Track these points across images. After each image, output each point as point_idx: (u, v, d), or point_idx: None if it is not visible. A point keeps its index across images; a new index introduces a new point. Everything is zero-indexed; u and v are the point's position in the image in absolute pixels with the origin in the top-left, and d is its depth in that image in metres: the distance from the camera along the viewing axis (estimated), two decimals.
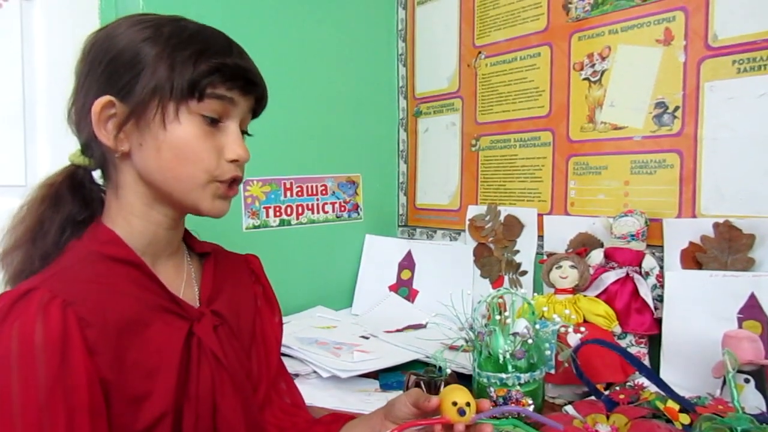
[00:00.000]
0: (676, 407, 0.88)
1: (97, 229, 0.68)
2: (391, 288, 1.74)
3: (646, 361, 1.19)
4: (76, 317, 0.58)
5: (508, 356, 0.98)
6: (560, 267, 1.20)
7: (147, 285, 0.67)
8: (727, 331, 0.98)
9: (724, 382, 0.98)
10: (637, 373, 1.10)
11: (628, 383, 1.00)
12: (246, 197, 1.56)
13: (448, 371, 1.02)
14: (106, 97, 0.64)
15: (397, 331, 1.51)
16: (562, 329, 1.03)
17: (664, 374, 1.13)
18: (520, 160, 1.50)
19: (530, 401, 0.90)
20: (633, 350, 1.18)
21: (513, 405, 0.89)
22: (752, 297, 1.06)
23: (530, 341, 0.97)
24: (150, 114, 0.64)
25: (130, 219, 0.69)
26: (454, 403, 0.69)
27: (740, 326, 1.05)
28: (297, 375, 1.24)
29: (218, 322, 0.75)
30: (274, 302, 0.89)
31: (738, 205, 1.13)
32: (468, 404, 0.69)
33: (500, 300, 1.07)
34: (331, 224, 1.73)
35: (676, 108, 1.20)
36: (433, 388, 0.99)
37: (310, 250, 1.69)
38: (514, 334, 0.98)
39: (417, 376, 1.02)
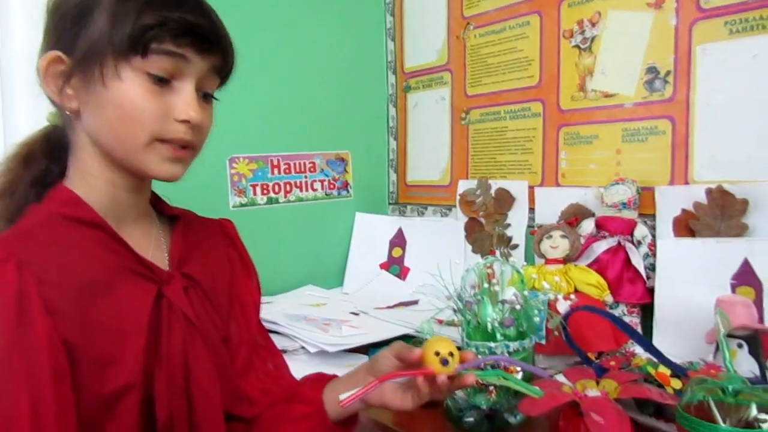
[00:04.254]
0: (668, 372, 0.86)
1: (57, 191, 0.65)
2: (382, 266, 1.72)
3: (639, 331, 1.17)
4: (34, 278, 0.56)
5: (496, 324, 0.96)
6: (551, 237, 1.18)
7: (112, 247, 0.64)
8: (720, 297, 0.96)
9: (717, 348, 0.96)
10: (629, 342, 1.09)
11: (620, 351, 0.98)
12: (232, 175, 1.53)
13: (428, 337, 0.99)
14: (53, 53, 0.62)
15: (388, 308, 1.49)
16: (552, 297, 1.01)
17: (657, 343, 1.11)
18: (510, 132, 1.47)
19: (519, 369, 0.88)
20: (626, 320, 1.16)
21: (529, 364, 0.87)
22: (745, 263, 1.04)
23: (519, 308, 0.95)
24: (92, 70, 0.61)
25: (90, 180, 0.66)
26: (437, 354, 0.67)
27: (734, 292, 1.03)
28: (285, 351, 1.22)
29: (189, 284, 0.72)
30: (251, 266, 0.86)
31: (731, 170, 1.10)
32: (451, 354, 0.67)
33: (489, 271, 1.05)
34: (320, 202, 1.71)
35: (668, 73, 1.17)
36: None
37: (299, 229, 1.66)
38: (503, 302, 0.96)
39: (407, 341, 1.00)
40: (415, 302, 1.48)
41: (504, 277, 1.04)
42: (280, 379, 0.84)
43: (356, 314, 1.42)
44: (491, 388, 0.87)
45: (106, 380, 0.60)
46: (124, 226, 0.68)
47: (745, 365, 0.91)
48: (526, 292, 0.98)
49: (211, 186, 1.50)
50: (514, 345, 0.96)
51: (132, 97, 0.61)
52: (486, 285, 0.99)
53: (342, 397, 0.67)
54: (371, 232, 1.74)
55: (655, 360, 0.89)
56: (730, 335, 0.93)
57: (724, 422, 0.67)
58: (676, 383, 0.85)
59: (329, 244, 1.73)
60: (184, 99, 0.65)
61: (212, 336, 0.73)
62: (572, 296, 0.99)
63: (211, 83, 0.70)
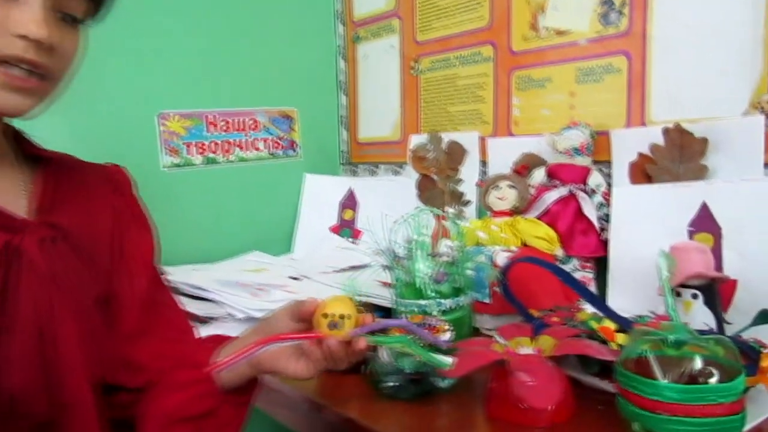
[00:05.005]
0: (613, 327, 0.77)
1: None
2: (333, 230, 1.61)
3: (593, 288, 1.08)
4: None
5: (427, 280, 0.87)
6: (498, 188, 1.08)
7: None
8: (674, 244, 0.87)
9: None
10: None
11: (566, 306, 0.88)
12: (162, 132, 1.41)
13: (358, 298, 0.89)
14: None
15: (335, 272, 1.39)
16: (495, 249, 0.91)
17: (611, 300, 1.03)
18: (461, 80, 1.36)
19: (449, 328, 0.78)
20: (578, 275, 1.07)
21: (427, 331, 0.77)
22: (704, 207, 0.95)
23: (452, 261, 0.85)
24: None
25: None
26: (325, 316, 0.58)
27: (691, 240, 0.94)
28: (210, 318, 1.12)
29: (54, 235, 0.62)
30: (143, 217, 0.76)
31: (691, 108, 1.01)
32: (344, 317, 0.57)
33: (425, 223, 0.95)
34: (264, 163, 1.59)
35: (623, 4, 1.06)
36: None
37: (242, 192, 1.55)
38: (435, 255, 0.86)
39: None
40: (367, 266, 1.38)
41: (440, 230, 0.94)
42: (179, 344, 0.74)
43: (297, 279, 1.32)
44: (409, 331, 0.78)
45: None
46: None
47: (700, 317, 0.82)
48: (460, 244, 0.88)
49: (138, 145, 1.38)
50: (448, 303, 0.86)
51: None
52: (418, 238, 0.89)
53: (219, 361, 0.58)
54: (321, 194, 1.64)
55: (600, 314, 0.80)
56: (683, 285, 0.84)
57: (665, 377, 0.58)
58: (622, 338, 0.76)
59: (276, 207, 1.62)
60: (27, 11, 0.54)
61: (80, 296, 0.63)
62: (513, 247, 0.89)
63: (75, 4, 0.58)
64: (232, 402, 0.68)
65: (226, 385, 0.67)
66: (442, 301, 0.86)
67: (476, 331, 1.01)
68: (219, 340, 0.72)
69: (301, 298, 0.65)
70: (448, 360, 0.61)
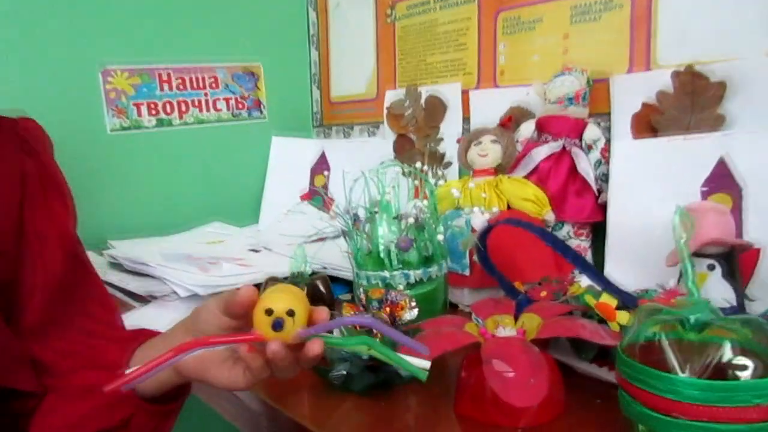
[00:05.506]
0: (613, 303, 0.63)
1: None
2: (304, 198, 1.47)
3: (588, 256, 0.94)
4: None
5: (391, 247, 0.72)
6: (479, 143, 0.93)
7: None
8: (688, 204, 0.72)
9: (681, 274, 0.73)
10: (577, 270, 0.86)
11: (557, 279, 0.74)
12: (108, 91, 1.26)
13: (308, 270, 0.75)
14: None
15: (304, 243, 1.24)
16: (472, 211, 0.77)
17: (609, 273, 0.89)
18: (441, 26, 1.20)
19: (414, 304, 0.64)
20: (572, 243, 0.93)
21: (387, 310, 0.63)
22: (721, 163, 0.80)
23: (421, 225, 0.71)
24: None
25: None
26: (268, 312, 0.44)
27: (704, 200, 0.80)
28: (153, 297, 0.98)
29: None
30: (59, 185, 0.60)
31: (704, 48, 0.85)
32: (291, 313, 0.43)
33: (390, 180, 0.81)
34: (226, 125, 1.44)
35: None
36: None
37: (200, 157, 1.40)
38: (398, 218, 0.72)
39: (276, 282, 0.76)
40: (338, 236, 1.24)
41: (411, 190, 0.80)
42: (95, 339, 0.60)
43: (256, 251, 1.18)
44: (376, 330, 0.64)
45: None
46: None
47: (718, 292, 0.68)
48: (432, 205, 0.74)
49: (80, 106, 1.22)
50: (415, 274, 0.72)
51: None
52: (381, 198, 0.75)
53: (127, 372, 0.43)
54: (290, 158, 1.49)
55: (598, 287, 0.66)
56: (697, 254, 0.70)
57: (683, 370, 0.44)
58: (624, 317, 0.62)
59: (240, 174, 1.47)
60: None
61: None
62: (494, 209, 0.75)
63: None
64: (152, 412, 0.54)
65: (145, 391, 0.53)
66: (408, 272, 0.72)
67: (453, 308, 0.88)
68: (144, 336, 0.57)
69: (237, 291, 0.50)
70: (425, 366, 0.47)
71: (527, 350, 0.52)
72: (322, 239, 1.25)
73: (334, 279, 1.04)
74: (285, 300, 0.44)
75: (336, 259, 0.97)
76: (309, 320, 0.46)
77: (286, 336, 0.44)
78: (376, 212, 0.76)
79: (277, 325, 0.43)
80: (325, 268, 1.05)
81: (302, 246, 0.75)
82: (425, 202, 0.72)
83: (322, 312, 0.47)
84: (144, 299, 0.98)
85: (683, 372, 0.44)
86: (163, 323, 0.91)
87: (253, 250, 1.17)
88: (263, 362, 0.46)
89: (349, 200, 0.77)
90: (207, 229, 1.35)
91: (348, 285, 0.95)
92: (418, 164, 0.77)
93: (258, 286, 0.51)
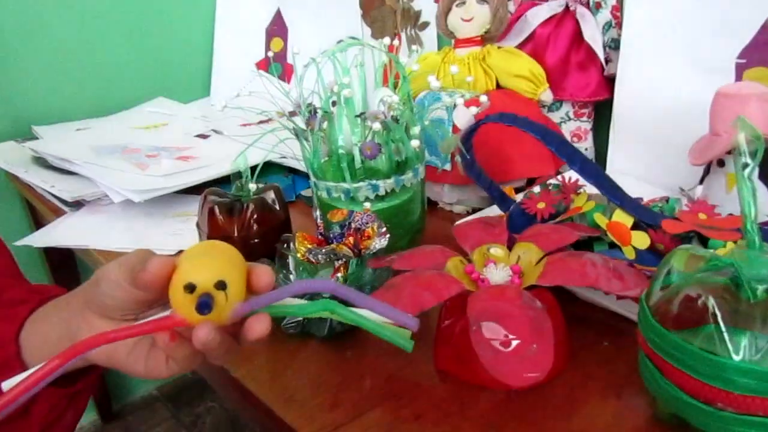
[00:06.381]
0: (628, 223, 0.51)
1: None
2: (260, 66, 1.27)
3: (588, 142, 0.81)
4: None
5: (355, 152, 0.58)
6: (463, 4, 0.75)
7: None
8: (723, 88, 0.58)
9: (708, 172, 0.61)
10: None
11: (555, 181, 0.61)
12: None
13: (252, 186, 0.62)
14: None
15: (261, 123, 1.08)
16: (455, 99, 0.61)
17: (613, 163, 0.76)
18: None
19: (384, 230, 0.52)
20: (571, 126, 0.79)
21: (350, 240, 0.51)
22: (764, 29, 0.64)
23: (394, 120, 0.56)
24: None
25: None
26: (190, 288, 0.31)
27: (739, 79, 0.65)
28: (83, 201, 0.84)
29: None
30: None
31: None
32: (221, 286, 0.30)
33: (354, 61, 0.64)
34: None
35: None
36: (237, 217, 0.60)
37: (133, 20, 1.18)
38: (362, 116, 0.57)
39: (217, 196, 0.62)
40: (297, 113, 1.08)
41: (379, 74, 0.64)
42: None
43: (206, 137, 1.02)
44: (338, 264, 0.52)
45: None
46: None
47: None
48: (406, 95, 0.58)
49: None
50: (385, 184, 0.58)
51: None
52: (340, 89, 0.59)
53: None
54: (240, 18, 1.27)
55: (606, 200, 0.54)
56: (732, 151, 0.56)
57: (738, 351, 0.33)
58: (641, 239, 0.50)
59: (183, 40, 1.26)
60: None
61: None
62: (483, 98, 0.59)
63: None
64: (57, 396, 0.42)
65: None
66: (377, 182, 0.58)
67: (432, 207, 0.76)
68: (37, 299, 0.43)
69: (150, 253, 0.36)
70: (407, 335, 0.35)
71: (527, 306, 0.41)
72: (288, 116, 1.09)
73: (296, 171, 0.91)
74: (211, 267, 0.32)
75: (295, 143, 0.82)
76: (248, 285, 0.34)
77: (219, 316, 0.32)
78: (334, 104, 0.60)
79: (204, 306, 0.31)
80: (284, 157, 0.91)
81: (244, 155, 0.61)
82: (395, 96, 0.56)
83: (264, 273, 0.34)
84: (71, 203, 0.84)
85: (738, 355, 0.33)
86: (101, 232, 0.79)
87: (201, 136, 1.02)
88: (191, 351, 0.34)
89: (300, 92, 0.61)
90: (148, 108, 1.17)
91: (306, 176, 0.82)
92: (387, 40, 0.60)
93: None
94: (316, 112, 0.61)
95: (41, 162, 0.93)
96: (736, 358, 0.33)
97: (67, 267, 1.15)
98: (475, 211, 0.74)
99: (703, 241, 0.49)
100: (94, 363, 0.39)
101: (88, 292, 0.38)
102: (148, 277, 0.32)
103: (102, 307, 0.36)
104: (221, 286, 0.31)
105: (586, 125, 0.79)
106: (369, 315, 0.35)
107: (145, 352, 0.37)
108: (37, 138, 1.02)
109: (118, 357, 0.37)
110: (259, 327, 0.34)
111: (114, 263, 0.35)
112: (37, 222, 1.05)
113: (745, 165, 0.36)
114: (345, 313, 0.35)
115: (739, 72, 0.65)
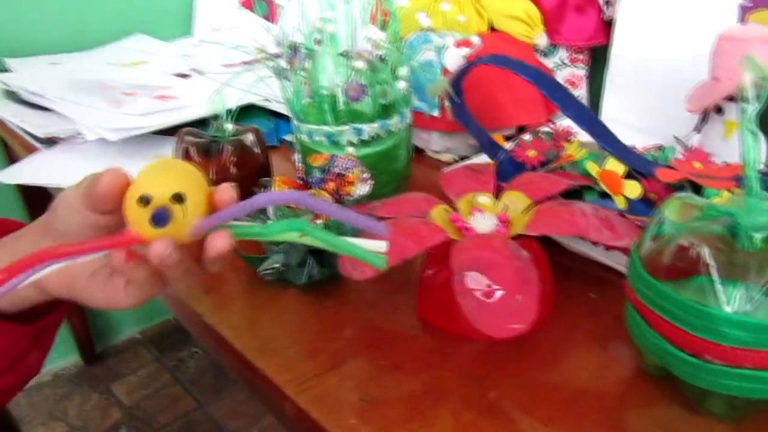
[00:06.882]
0: (620, 171, 0.49)
1: None
2: (245, 4, 1.22)
3: (582, 90, 0.78)
4: None
5: (339, 93, 0.55)
6: None
7: None
8: (726, 30, 0.55)
9: (704, 120, 0.59)
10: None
11: (546, 129, 0.59)
12: None
13: (230, 127, 0.59)
14: None
15: (244, 64, 1.04)
16: (446, 41, 0.58)
17: (606, 110, 0.74)
18: None
19: (367, 176, 0.50)
20: (566, 72, 0.76)
21: (331, 185, 0.48)
22: None
23: (380, 60, 0.53)
24: None
25: None
26: (144, 201, 0.28)
27: (743, 21, 0.62)
28: (55, 139, 0.80)
29: None
30: None
31: None
32: (179, 198, 0.28)
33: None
34: None
35: None
36: (213, 159, 0.57)
37: None
38: (344, 55, 0.54)
39: (193, 137, 0.59)
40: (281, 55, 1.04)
41: (367, 11, 0.60)
42: None
43: (186, 76, 0.98)
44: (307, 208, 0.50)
45: None
46: None
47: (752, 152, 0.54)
48: (394, 34, 0.55)
49: None
50: (370, 129, 0.56)
51: None
52: (323, 25, 0.56)
53: None
54: None
55: (599, 148, 0.51)
56: (731, 98, 0.54)
57: (729, 302, 0.32)
58: (632, 188, 0.48)
59: None
60: None
61: None
62: (475, 39, 0.56)
63: None
64: (9, 329, 0.40)
65: (3, 309, 0.39)
66: (360, 126, 0.55)
67: (419, 154, 0.73)
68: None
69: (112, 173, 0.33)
70: (380, 249, 0.33)
71: (512, 256, 0.39)
72: (271, 58, 1.05)
73: (281, 116, 0.88)
74: (167, 180, 0.29)
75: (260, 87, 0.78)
76: (210, 205, 0.31)
77: (177, 232, 0.29)
78: (318, 42, 0.57)
79: (159, 219, 0.28)
80: (267, 100, 0.87)
81: (221, 94, 0.58)
82: (381, 33, 0.53)
83: (226, 191, 0.32)
84: (44, 140, 0.80)
85: (730, 306, 0.32)
86: (74, 171, 0.76)
87: (181, 75, 0.97)
88: (149, 272, 0.32)
89: (282, 28, 0.57)
90: (126, 44, 1.12)
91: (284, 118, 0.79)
92: None
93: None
94: (298, 50, 0.57)
95: (13, 96, 0.89)
96: (728, 309, 0.32)
97: (45, 206, 1.12)
98: (462, 159, 0.72)
99: (697, 191, 0.47)
100: (54, 296, 0.37)
101: (47, 222, 0.36)
102: (100, 190, 0.30)
103: (59, 235, 0.34)
104: (178, 198, 0.29)
105: (581, 72, 0.76)
106: (338, 239, 0.32)
107: (102, 281, 0.35)
108: (9, 71, 0.97)
109: (78, 287, 0.36)
110: (220, 242, 0.31)
111: (72, 186, 0.33)
112: (11, 158, 1.02)
113: (751, 113, 0.34)
114: (314, 233, 0.32)
115: (744, 15, 0.62)
